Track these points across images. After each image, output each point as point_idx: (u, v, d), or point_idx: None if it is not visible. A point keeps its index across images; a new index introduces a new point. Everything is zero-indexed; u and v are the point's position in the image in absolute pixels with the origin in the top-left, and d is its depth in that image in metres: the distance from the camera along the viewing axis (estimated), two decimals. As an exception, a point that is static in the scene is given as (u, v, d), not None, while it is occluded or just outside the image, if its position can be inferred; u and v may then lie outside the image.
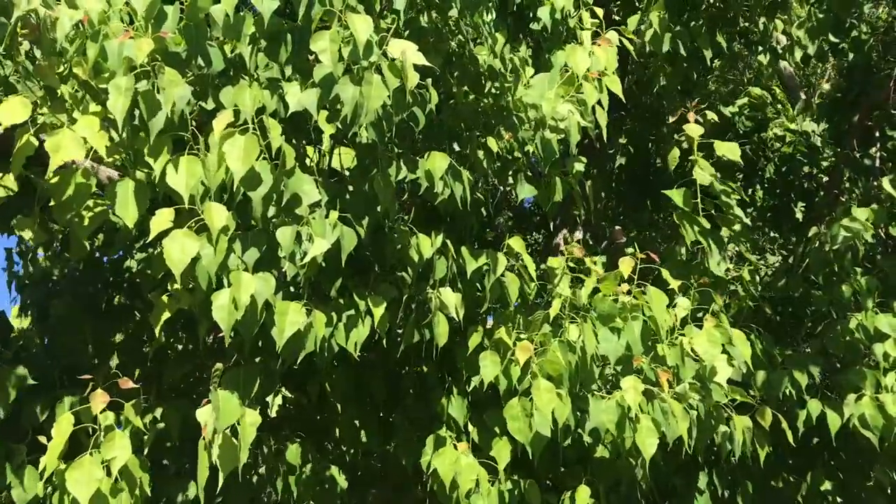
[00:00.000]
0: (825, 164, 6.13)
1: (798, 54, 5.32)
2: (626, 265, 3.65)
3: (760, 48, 5.39)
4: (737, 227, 4.15)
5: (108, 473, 2.94)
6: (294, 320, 2.91)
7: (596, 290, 3.65)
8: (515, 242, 3.60)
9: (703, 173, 4.01)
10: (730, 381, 3.83)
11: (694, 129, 4.02)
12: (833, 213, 4.92)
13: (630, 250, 3.74)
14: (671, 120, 4.20)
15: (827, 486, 4.72)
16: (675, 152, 4.05)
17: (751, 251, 4.72)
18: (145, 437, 3.53)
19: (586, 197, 4.25)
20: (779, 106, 6.31)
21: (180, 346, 4.42)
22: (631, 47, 3.82)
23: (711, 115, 4.24)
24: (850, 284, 4.52)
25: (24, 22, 2.98)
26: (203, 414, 2.96)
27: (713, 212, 4.14)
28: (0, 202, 3.60)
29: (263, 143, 2.87)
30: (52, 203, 3.10)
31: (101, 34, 2.87)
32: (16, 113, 2.89)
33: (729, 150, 4.05)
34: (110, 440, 2.98)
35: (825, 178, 6.05)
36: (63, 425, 3.01)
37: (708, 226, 4.06)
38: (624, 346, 3.52)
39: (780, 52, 5.64)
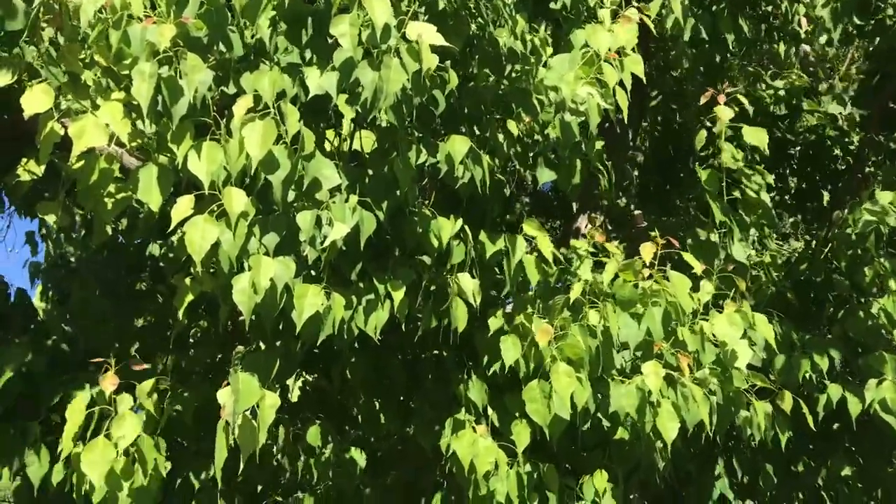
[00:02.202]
0: (850, 147, 6.06)
1: (822, 38, 5.25)
2: (647, 250, 3.63)
3: (782, 33, 5.32)
4: (762, 210, 4.11)
5: (122, 453, 2.98)
6: (313, 303, 2.93)
7: (616, 276, 3.64)
8: (530, 225, 3.59)
9: (730, 157, 3.98)
10: (750, 367, 3.81)
11: (724, 113, 3.97)
12: (857, 196, 4.87)
13: (652, 234, 3.72)
14: (702, 101, 4.15)
15: (847, 471, 4.70)
16: (702, 134, 4.01)
17: (773, 236, 4.69)
18: (161, 417, 3.57)
19: (609, 174, 4.23)
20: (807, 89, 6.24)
21: (202, 330, 4.47)
22: (651, 24, 3.77)
23: (742, 99, 4.19)
24: (874, 268, 4.48)
25: (47, 7, 3.01)
26: (223, 395, 3.00)
27: (738, 195, 4.10)
28: (26, 186, 3.65)
29: (283, 128, 2.88)
30: (76, 188, 3.14)
31: (123, 20, 2.90)
32: (39, 101, 2.93)
33: (756, 137, 3.99)
34: (120, 420, 3.03)
35: (851, 162, 5.98)
36: (77, 407, 3.07)
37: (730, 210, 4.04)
38: (644, 332, 3.52)
39: (804, 36, 5.56)
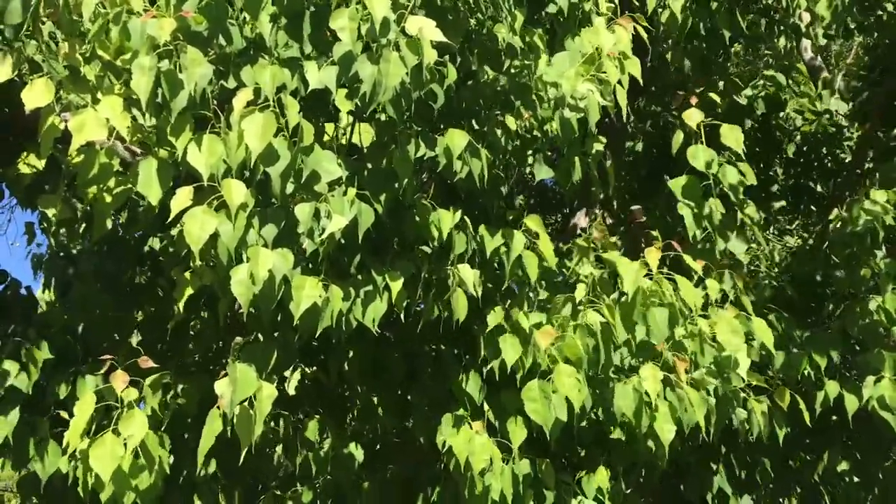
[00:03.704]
0: (848, 143, 6.06)
1: (821, 32, 5.25)
2: (651, 256, 3.56)
3: (782, 27, 5.32)
4: (749, 210, 4.07)
5: (130, 452, 3.00)
6: (311, 294, 2.94)
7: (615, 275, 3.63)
8: (533, 221, 3.60)
9: (714, 163, 3.85)
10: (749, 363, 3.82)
11: (693, 116, 3.82)
12: (856, 193, 4.87)
13: (647, 230, 3.72)
14: (673, 106, 4.08)
15: (844, 466, 4.72)
16: (679, 136, 3.92)
17: (763, 236, 4.66)
18: (165, 413, 3.59)
19: (606, 177, 4.22)
20: (800, 87, 6.24)
21: (201, 323, 4.48)
22: (645, 35, 3.76)
23: (715, 98, 4.09)
24: (871, 266, 4.49)
25: (47, 2, 3.03)
26: (220, 386, 3.00)
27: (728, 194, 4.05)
28: (27, 180, 3.67)
29: (283, 121, 2.90)
30: (76, 181, 3.15)
31: (123, 14, 2.91)
32: (39, 96, 2.95)
33: (733, 137, 3.87)
34: (128, 418, 3.04)
35: (848, 159, 5.99)
36: (86, 403, 3.08)
37: (721, 213, 3.94)
38: (644, 333, 3.52)
39: (804, 30, 5.56)
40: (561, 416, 3.32)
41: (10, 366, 3.51)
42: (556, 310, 3.60)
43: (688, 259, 3.69)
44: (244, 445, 2.97)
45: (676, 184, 3.85)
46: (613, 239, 4.15)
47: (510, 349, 3.45)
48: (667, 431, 3.40)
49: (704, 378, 3.57)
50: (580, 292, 3.55)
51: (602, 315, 3.48)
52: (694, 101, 3.89)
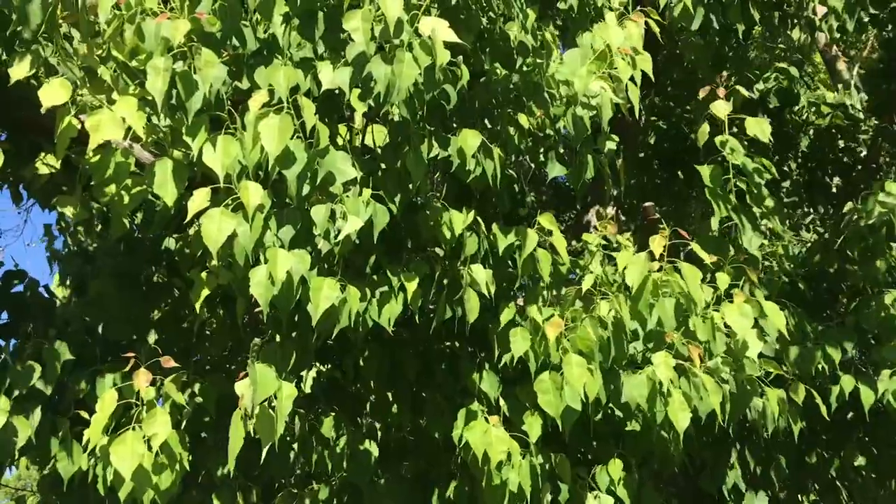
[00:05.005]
0: (864, 137, 6.03)
1: (835, 25, 5.22)
2: (656, 243, 3.62)
3: (796, 20, 5.30)
4: (768, 202, 4.08)
5: (150, 448, 3.02)
6: (329, 295, 2.96)
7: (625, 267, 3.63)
8: (546, 219, 3.62)
9: (736, 152, 3.90)
10: (763, 356, 3.82)
11: (721, 108, 3.85)
12: (871, 187, 4.85)
13: (661, 226, 3.72)
14: (701, 96, 4.08)
15: (860, 461, 4.71)
16: (705, 128, 3.94)
17: (782, 229, 4.65)
18: (184, 412, 3.62)
19: (617, 173, 4.22)
20: (814, 79, 6.21)
21: (218, 322, 4.51)
22: (657, 29, 3.75)
23: (742, 91, 4.12)
24: (885, 260, 4.48)
25: (64, 4, 3.05)
26: (241, 386, 3.03)
27: (745, 188, 4.06)
28: (44, 180, 3.71)
29: (298, 123, 2.91)
30: (92, 182, 3.18)
31: (137, 15, 2.93)
32: (56, 95, 2.98)
33: (759, 128, 3.88)
34: (151, 417, 3.05)
35: (863, 152, 5.96)
36: (107, 401, 3.10)
37: (737, 203, 3.97)
38: (655, 322, 3.53)
39: (818, 23, 5.53)
40: (574, 405, 3.32)
41: (32, 366, 3.55)
42: (568, 303, 3.61)
43: (696, 247, 3.69)
44: (265, 445, 2.99)
45: (705, 170, 3.87)
46: (627, 235, 4.14)
47: (520, 340, 3.47)
48: (682, 420, 3.38)
49: (719, 367, 3.57)
50: (588, 282, 3.56)
51: (613, 306, 3.49)
52: (722, 92, 3.89)
